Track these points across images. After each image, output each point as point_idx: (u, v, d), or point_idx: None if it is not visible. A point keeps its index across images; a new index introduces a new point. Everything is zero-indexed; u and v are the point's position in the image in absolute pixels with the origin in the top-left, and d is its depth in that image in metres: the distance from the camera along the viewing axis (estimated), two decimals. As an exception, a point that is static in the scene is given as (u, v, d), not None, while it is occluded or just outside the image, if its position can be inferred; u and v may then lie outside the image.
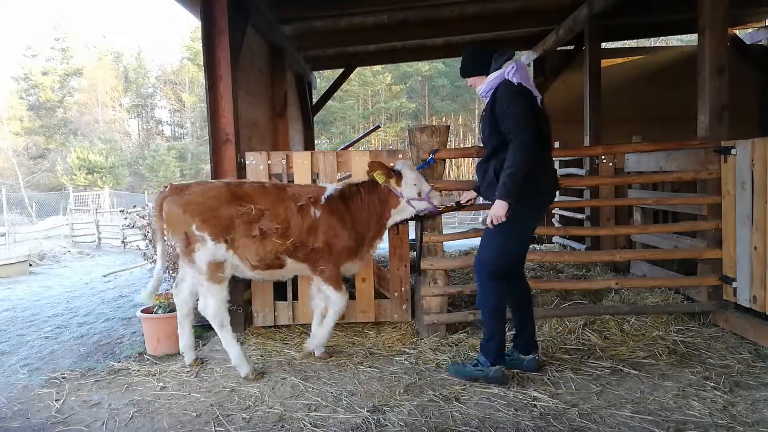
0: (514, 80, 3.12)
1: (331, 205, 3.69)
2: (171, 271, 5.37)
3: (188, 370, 3.74)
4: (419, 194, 3.73)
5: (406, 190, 3.74)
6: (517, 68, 3.16)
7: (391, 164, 3.84)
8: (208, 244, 3.46)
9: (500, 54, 3.26)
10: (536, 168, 3.12)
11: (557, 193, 3.43)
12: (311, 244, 3.63)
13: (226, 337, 3.57)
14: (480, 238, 4.04)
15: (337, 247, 3.67)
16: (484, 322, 3.42)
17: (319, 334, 3.82)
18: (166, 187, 3.62)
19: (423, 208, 3.78)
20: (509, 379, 3.32)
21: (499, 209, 3.14)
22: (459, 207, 3.87)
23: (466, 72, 3.40)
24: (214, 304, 3.53)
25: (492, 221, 3.20)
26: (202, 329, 4.59)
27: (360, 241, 3.77)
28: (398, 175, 3.75)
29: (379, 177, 3.70)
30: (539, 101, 3.24)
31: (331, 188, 3.80)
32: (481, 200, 3.69)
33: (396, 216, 3.84)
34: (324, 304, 3.89)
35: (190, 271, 3.58)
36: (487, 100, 3.27)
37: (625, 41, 17.31)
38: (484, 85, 3.27)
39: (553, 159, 3.48)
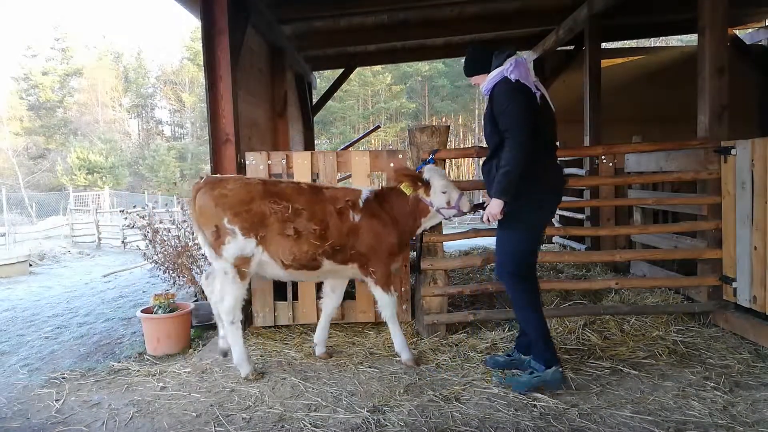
0: (512, 77, 3.09)
1: (370, 208, 3.64)
2: (171, 272, 5.38)
3: (188, 371, 3.73)
4: (449, 203, 3.61)
5: (436, 199, 3.62)
6: (516, 65, 3.12)
7: (421, 170, 3.72)
8: (238, 238, 3.46)
9: (501, 51, 3.24)
10: (536, 166, 3.10)
11: (563, 190, 3.36)
12: (352, 248, 3.58)
13: (234, 334, 3.57)
14: (478, 239, 4.08)
15: (383, 248, 3.62)
16: (525, 328, 3.35)
17: (396, 342, 3.76)
18: (201, 178, 3.65)
19: (452, 215, 3.72)
20: (567, 379, 3.25)
21: (494, 207, 3.15)
22: (476, 208, 3.79)
23: (469, 71, 3.40)
24: (230, 299, 3.53)
25: (488, 219, 3.21)
26: (202, 329, 4.59)
27: (402, 240, 3.71)
28: (426, 184, 3.62)
29: (407, 188, 3.59)
30: (540, 97, 3.18)
31: (366, 191, 3.73)
32: None
33: (426, 224, 3.77)
34: (333, 304, 3.92)
35: (216, 264, 3.58)
36: (489, 98, 3.27)
37: (625, 41, 17.33)
38: (485, 83, 3.26)
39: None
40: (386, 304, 3.67)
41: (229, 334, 3.59)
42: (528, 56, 10.11)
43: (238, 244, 3.46)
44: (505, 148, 3.06)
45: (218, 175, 3.80)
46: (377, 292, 3.67)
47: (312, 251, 3.51)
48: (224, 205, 3.45)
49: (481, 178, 3.48)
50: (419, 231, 3.83)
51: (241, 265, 3.49)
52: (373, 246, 3.60)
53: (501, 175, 3.07)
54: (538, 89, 3.18)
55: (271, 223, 3.47)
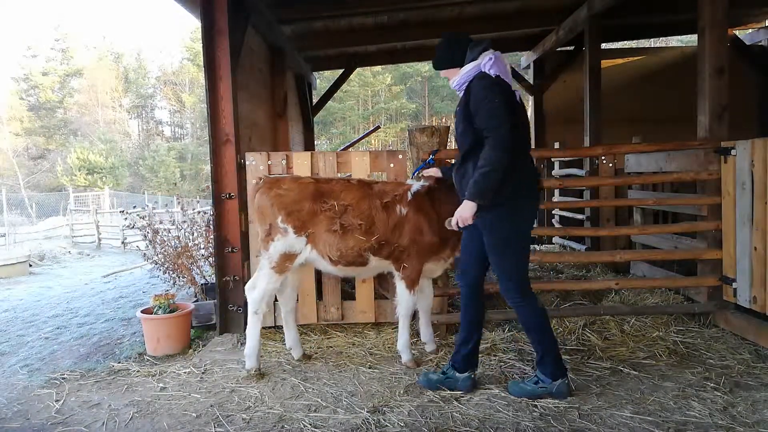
0: (492, 72, 2.89)
1: (417, 203, 3.60)
2: (171, 272, 5.39)
3: (188, 371, 3.73)
4: None
5: None
6: (495, 59, 2.93)
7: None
8: (289, 235, 3.54)
9: (476, 44, 3.03)
10: (516, 169, 2.89)
11: (540, 195, 3.23)
12: (396, 242, 3.57)
13: (253, 324, 3.61)
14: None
15: (422, 244, 3.58)
16: (533, 341, 3.20)
17: (400, 340, 3.74)
18: (260, 179, 3.77)
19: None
20: (572, 390, 3.16)
21: (467, 210, 2.95)
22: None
23: (440, 63, 3.15)
24: (260, 291, 3.60)
25: (458, 223, 3.02)
26: (202, 330, 4.59)
27: (445, 240, 3.62)
28: None
29: None
30: (518, 97, 3.02)
31: (417, 185, 3.70)
32: None
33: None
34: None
35: (261, 255, 3.66)
36: (461, 94, 3.03)
37: (625, 42, 17.32)
38: (458, 77, 3.02)
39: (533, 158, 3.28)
40: (405, 301, 3.65)
41: (249, 324, 3.63)
42: (528, 56, 10.12)
43: (288, 241, 3.55)
44: (486, 147, 2.82)
45: (276, 175, 3.94)
46: (400, 286, 3.64)
47: (357, 247, 3.52)
48: (280, 204, 3.55)
49: None
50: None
51: (285, 260, 3.56)
52: (415, 240, 3.57)
53: (480, 176, 2.83)
54: (516, 89, 3.07)
55: (320, 221, 3.53)
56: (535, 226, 3.40)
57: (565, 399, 3.09)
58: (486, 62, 2.94)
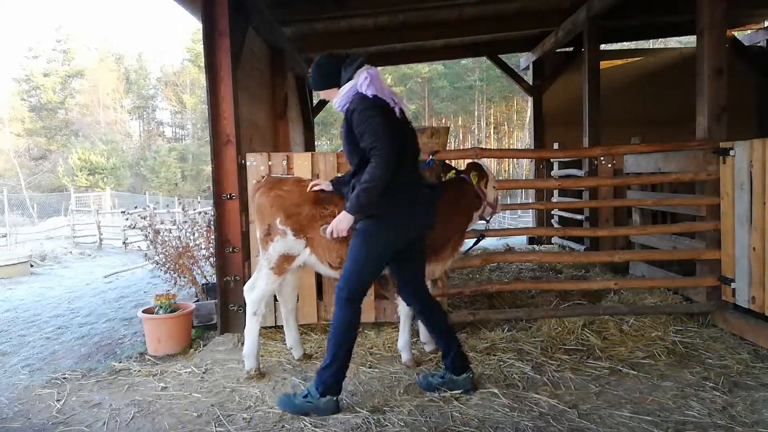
0: (369, 93, 2.90)
1: None
2: (172, 272, 5.40)
3: (189, 371, 3.75)
4: (495, 200, 3.64)
5: (490, 192, 3.64)
6: (371, 79, 2.93)
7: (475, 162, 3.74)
8: (288, 237, 3.49)
9: (351, 61, 3.02)
10: (396, 184, 2.91)
11: (422, 209, 3.15)
12: None
13: (251, 325, 3.59)
14: (476, 239, 4.04)
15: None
16: (329, 348, 3.06)
17: (401, 339, 3.74)
18: (263, 177, 3.74)
19: (489, 215, 3.71)
20: (341, 408, 3.05)
21: (344, 222, 3.00)
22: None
23: (317, 86, 3.17)
24: (259, 291, 3.57)
25: (332, 233, 3.04)
26: (203, 329, 4.61)
27: (444, 241, 3.61)
28: (487, 177, 3.63)
29: (474, 178, 3.61)
30: (399, 111, 3.00)
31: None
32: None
33: (475, 218, 3.74)
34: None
35: (261, 256, 3.63)
36: (344, 115, 3.02)
37: (624, 43, 17.33)
38: (338, 99, 3.02)
39: (420, 172, 3.26)
40: None
41: (248, 325, 3.61)
42: (527, 58, 10.14)
43: (287, 243, 3.50)
44: (371, 164, 2.86)
45: (278, 176, 3.91)
46: None
47: None
48: (279, 205, 3.51)
49: None
50: (470, 227, 3.78)
51: (283, 262, 3.54)
52: None
53: (361, 191, 2.87)
54: (396, 103, 3.01)
55: (319, 226, 3.44)
56: (534, 226, 3.42)
57: (330, 416, 2.97)
58: (362, 82, 2.93)
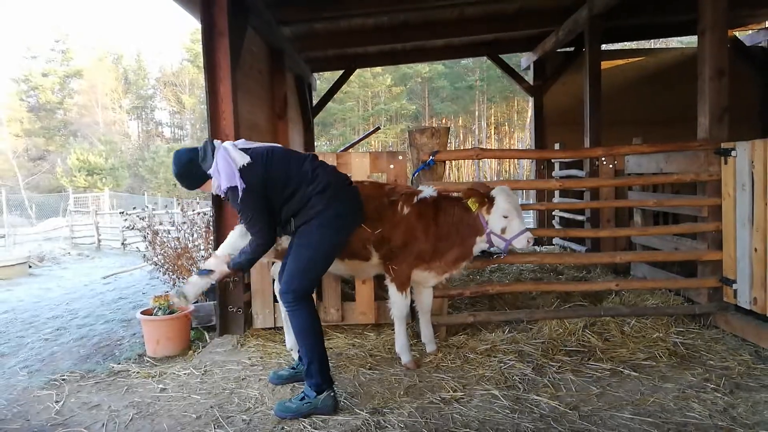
0: (223, 186, 2.98)
1: (420, 208, 3.61)
2: (171, 273, 5.38)
3: (188, 372, 3.73)
4: (503, 230, 3.49)
5: (493, 220, 3.51)
6: (219, 168, 2.99)
7: (492, 188, 3.60)
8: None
9: (203, 151, 3.08)
10: (308, 201, 3.04)
11: (355, 212, 3.26)
12: (392, 241, 3.58)
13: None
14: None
15: (411, 249, 3.59)
16: (300, 349, 3.15)
17: (398, 342, 3.74)
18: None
19: (499, 247, 3.58)
20: (339, 403, 3.09)
21: (219, 276, 3.31)
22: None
23: (192, 186, 3.22)
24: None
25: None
26: (201, 331, 4.59)
27: (437, 253, 3.63)
28: (490, 202, 3.52)
29: (473, 204, 3.52)
30: (265, 158, 3.06)
31: (427, 192, 3.70)
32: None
33: (480, 244, 3.65)
34: None
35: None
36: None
37: (625, 43, 17.34)
38: (214, 189, 3.09)
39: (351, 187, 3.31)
40: (397, 303, 3.67)
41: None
42: (528, 57, 10.13)
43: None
44: (251, 239, 3.14)
45: None
46: (391, 289, 3.67)
47: (363, 238, 3.52)
48: None
49: (480, 179, 3.44)
50: (476, 250, 3.68)
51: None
52: (407, 244, 3.59)
53: (245, 260, 3.19)
54: (255, 155, 3.05)
55: None
56: (534, 227, 3.40)
57: (333, 413, 2.99)
58: (218, 176, 3.00)
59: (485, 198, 3.53)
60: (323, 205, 3.06)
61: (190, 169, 3.11)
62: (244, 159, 3.03)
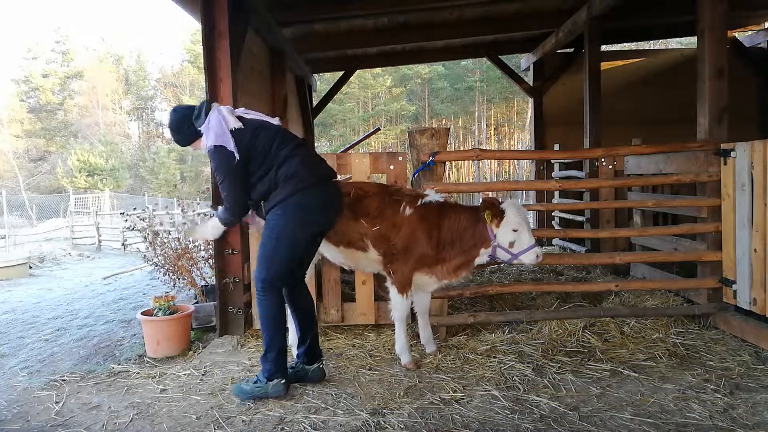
0: (209, 144, 3.12)
1: (424, 211, 3.61)
2: (171, 274, 5.39)
3: (188, 373, 3.73)
4: (511, 244, 3.45)
5: (501, 233, 3.47)
6: (210, 126, 3.12)
7: (503, 201, 3.56)
8: None
9: (199, 109, 3.21)
10: (278, 188, 3.14)
11: (325, 202, 3.32)
12: (392, 240, 3.59)
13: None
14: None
15: (413, 252, 3.59)
16: (264, 334, 3.27)
17: (398, 343, 3.74)
18: None
19: (505, 260, 3.57)
20: (290, 392, 3.26)
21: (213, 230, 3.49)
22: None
23: (182, 143, 3.36)
24: None
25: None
26: (202, 331, 4.59)
27: (439, 258, 3.62)
28: (501, 215, 3.47)
29: (488, 217, 3.47)
30: (251, 130, 3.15)
31: (432, 196, 3.70)
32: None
33: (484, 256, 3.60)
34: None
35: None
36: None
37: (625, 44, 17.36)
38: (202, 148, 3.25)
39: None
40: (397, 305, 3.67)
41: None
42: (528, 59, 10.14)
43: None
44: (223, 206, 3.31)
45: None
46: (392, 291, 3.68)
47: (361, 230, 3.58)
48: None
49: (481, 180, 3.46)
50: (478, 261, 3.65)
51: None
52: (407, 246, 3.59)
53: (222, 214, 3.34)
54: (248, 124, 3.17)
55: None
56: (535, 227, 3.40)
57: (284, 397, 3.20)
58: (207, 133, 3.14)
59: (498, 211, 3.50)
60: (286, 194, 3.14)
61: (183, 124, 3.26)
62: (237, 123, 3.15)
